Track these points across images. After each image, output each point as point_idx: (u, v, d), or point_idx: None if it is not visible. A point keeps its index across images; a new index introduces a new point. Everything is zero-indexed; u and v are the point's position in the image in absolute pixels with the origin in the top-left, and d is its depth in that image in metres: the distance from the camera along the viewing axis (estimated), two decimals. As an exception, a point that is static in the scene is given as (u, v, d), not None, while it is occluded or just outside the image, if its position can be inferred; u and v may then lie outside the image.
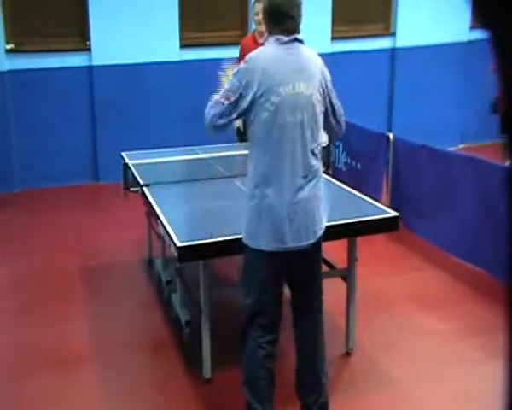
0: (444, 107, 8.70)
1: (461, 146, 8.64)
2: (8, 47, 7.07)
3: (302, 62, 2.86)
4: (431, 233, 5.32)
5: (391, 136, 5.82)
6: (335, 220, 3.63)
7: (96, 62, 7.28)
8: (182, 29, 7.54)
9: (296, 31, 2.89)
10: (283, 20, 2.85)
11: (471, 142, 8.60)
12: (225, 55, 7.43)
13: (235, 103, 2.81)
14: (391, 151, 5.77)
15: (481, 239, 4.63)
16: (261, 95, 2.77)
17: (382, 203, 4.36)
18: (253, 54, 2.88)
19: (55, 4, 7.24)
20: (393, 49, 8.50)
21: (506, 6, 0.63)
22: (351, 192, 4.16)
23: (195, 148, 5.36)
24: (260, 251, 2.86)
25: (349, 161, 6.46)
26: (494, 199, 4.41)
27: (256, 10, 5.90)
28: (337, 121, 3.16)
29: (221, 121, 2.88)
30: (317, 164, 2.93)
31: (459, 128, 8.81)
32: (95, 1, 7.15)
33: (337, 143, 6.56)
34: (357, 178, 6.03)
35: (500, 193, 4.04)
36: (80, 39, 7.34)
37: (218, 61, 7.62)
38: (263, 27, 5.86)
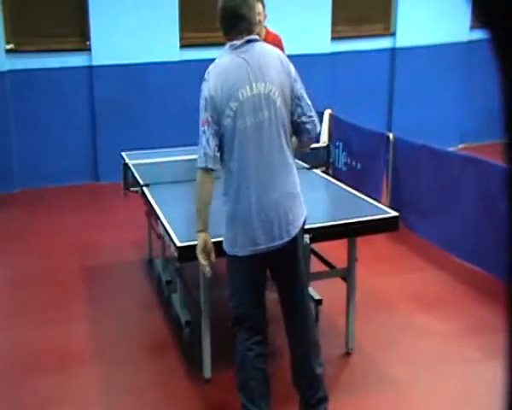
0: (444, 107, 8.69)
1: (461, 146, 8.64)
2: (8, 47, 7.07)
3: (257, 62, 2.85)
4: (431, 233, 5.32)
5: (391, 136, 5.81)
6: (335, 220, 3.63)
7: (95, 62, 7.28)
8: (182, 29, 7.54)
9: (250, 31, 2.89)
10: (237, 22, 2.85)
11: (471, 142, 8.60)
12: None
13: (210, 122, 2.86)
14: (391, 151, 5.77)
15: (481, 239, 4.63)
16: (222, 103, 2.81)
17: (382, 203, 4.36)
18: (210, 67, 2.91)
19: (55, 4, 7.24)
20: (393, 49, 8.50)
21: (506, 6, 0.62)
22: (351, 192, 4.15)
23: (195, 148, 5.34)
24: (236, 256, 2.90)
25: (349, 161, 6.46)
26: (494, 199, 4.41)
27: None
28: (307, 117, 2.98)
29: (210, 152, 2.90)
30: (288, 159, 2.90)
31: (459, 128, 8.81)
32: (95, 1, 7.15)
33: (337, 143, 6.56)
34: (357, 178, 6.03)
35: (500, 193, 4.04)
36: (80, 39, 7.34)
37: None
38: (260, 28, 5.89)
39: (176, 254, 3.27)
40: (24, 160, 7.22)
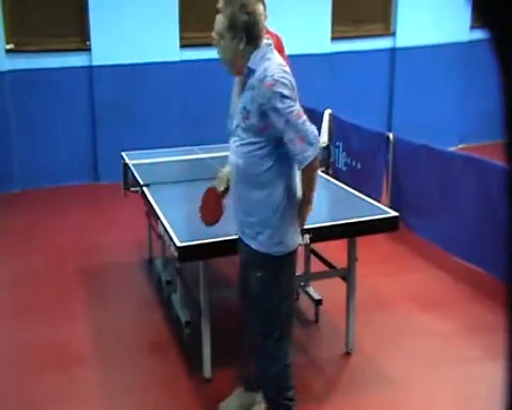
0: (444, 107, 8.69)
1: (461, 146, 8.64)
2: (8, 47, 7.07)
3: None
4: (431, 233, 5.32)
5: (391, 136, 5.81)
6: (335, 220, 3.63)
7: (96, 62, 7.28)
8: (182, 29, 7.54)
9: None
10: (263, 30, 2.81)
11: (471, 142, 8.60)
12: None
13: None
14: (391, 151, 5.77)
15: (481, 239, 4.63)
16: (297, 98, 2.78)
17: (382, 203, 4.36)
18: (273, 69, 2.71)
19: (54, 4, 7.24)
20: (393, 49, 8.50)
21: (506, 6, 0.63)
22: (351, 192, 4.15)
23: (195, 148, 5.35)
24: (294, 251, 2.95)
25: (349, 161, 6.46)
26: (494, 199, 4.41)
27: None
28: None
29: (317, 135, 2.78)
30: None
31: (459, 128, 8.81)
32: (95, 1, 7.15)
33: (337, 143, 6.56)
34: (357, 178, 6.03)
35: (500, 193, 4.04)
36: (80, 39, 7.34)
37: (218, 61, 7.59)
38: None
39: (176, 254, 3.27)
40: (24, 160, 7.22)
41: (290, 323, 3.11)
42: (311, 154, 2.68)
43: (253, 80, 2.73)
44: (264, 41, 2.79)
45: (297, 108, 2.68)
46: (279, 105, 2.64)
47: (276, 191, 2.79)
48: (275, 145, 2.74)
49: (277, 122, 2.66)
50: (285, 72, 2.72)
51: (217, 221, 3.13)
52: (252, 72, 2.75)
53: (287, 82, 2.68)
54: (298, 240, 2.93)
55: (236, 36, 2.73)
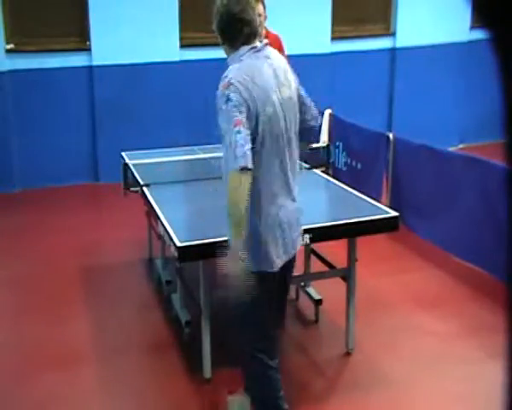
0: (444, 107, 8.69)
1: (461, 146, 8.64)
2: (8, 47, 7.07)
3: (279, 66, 2.75)
4: (431, 233, 5.32)
5: (391, 136, 5.81)
6: (335, 220, 3.63)
7: (96, 62, 7.28)
8: (182, 29, 7.54)
9: (256, 35, 2.73)
10: (243, 28, 2.66)
11: (471, 142, 8.60)
12: (225, 55, 7.44)
13: (247, 124, 2.56)
14: (391, 151, 5.77)
15: (481, 239, 4.63)
16: (256, 108, 2.59)
17: (382, 203, 4.36)
18: (231, 71, 2.63)
19: (55, 4, 7.24)
20: (393, 49, 8.50)
21: (506, 6, 0.63)
22: (351, 192, 4.15)
23: (195, 148, 5.35)
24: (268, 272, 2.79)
25: (349, 161, 6.46)
26: (494, 199, 4.41)
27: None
28: (311, 115, 2.98)
29: (248, 152, 2.52)
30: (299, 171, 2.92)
31: (459, 128, 8.81)
32: (95, 1, 7.15)
33: (337, 143, 6.56)
34: (357, 178, 6.03)
35: (500, 193, 4.04)
36: (80, 39, 7.34)
37: (218, 61, 7.60)
38: (261, 29, 5.89)
39: (176, 254, 3.26)
40: (24, 160, 7.22)
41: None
42: (231, 165, 2.53)
43: None
44: (257, 44, 2.71)
45: (239, 117, 2.53)
46: (223, 107, 2.57)
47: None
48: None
49: (221, 123, 2.61)
50: (245, 79, 2.58)
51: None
52: None
53: (241, 89, 2.56)
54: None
55: (218, 37, 2.76)
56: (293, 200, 2.80)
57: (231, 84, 2.58)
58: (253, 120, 2.60)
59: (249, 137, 2.55)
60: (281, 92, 2.70)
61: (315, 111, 3.00)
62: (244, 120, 2.55)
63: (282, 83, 2.72)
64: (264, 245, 2.71)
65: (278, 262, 2.76)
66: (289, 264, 2.92)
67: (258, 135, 2.62)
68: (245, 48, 2.69)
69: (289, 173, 2.77)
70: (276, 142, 2.69)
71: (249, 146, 2.53)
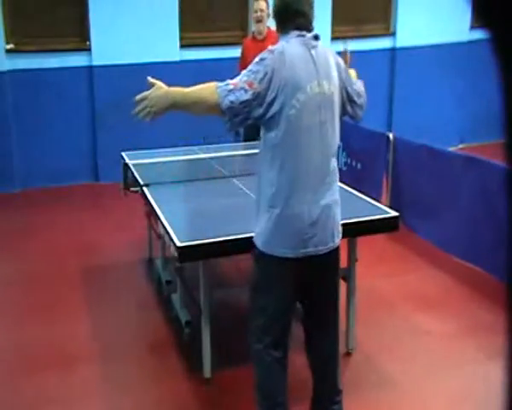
0: (444, 107, 8.70)
1: (461, 146, 8.64)
2: (8, 47, 7.07)
3: (324, 59, 2.77)
4: (431, 233, 5.32)
5: (391, 136, 5.82)
6: (335, 220, 3.62)
7: (96, 62, 7.28)
8: (182, 29, 7.54)
9: (310, 28, 2.85)
10: (296, 18, 2.81)
11: (471, 142, 8.60)
12: (225, 55, 7.44)
13: (259, 94, 2.60)
14: (391, 151, 5.77)
15: (481, 239, 4.63)
16: (287, 90, 2.61)
17: (382, 203, 4.36)
18: (278, 46, 2.71)
19: (55, 4, 7.24)
20: (393, 49, 8.50)
21: (506, 6, 0.62)
22: (351, 192, 4.15)
23: (195, 148, 5.36)
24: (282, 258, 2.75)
25: (349, 161, 6.46)
26: (494, 199, 4.41)
27: (255, 8, 5.88)
28: (356, 105, 2.98)
29: (237, 119, 2.64)
30: (336, 167, 2.84)
31: (459, 128, 8.81)
32: (95, 1, 7.15)
33: (337, 143, 6.56)
34: (357, 178, 6.03)
35: (500, 193, 4.04)
36: (80, 39, 7.34)
37: (218, 61, 7.61)
38: (262, 25, 5.88)
39: (176, 254, 3.26)
40: (24, 160, 7.22)
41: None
42: (220, 94, 2.63)
43: None
44: (296, 32, 2.79)
45: (255, 84, 2.61)
46: (256, 61, 2.70)
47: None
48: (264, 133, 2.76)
49: (244, 71, 2.72)
50: (283, 55, 2.67)
51: None
52: None
53: (277, 60, 2.65)
54: None
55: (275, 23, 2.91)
56: (323, 196, 2.74)
57: (273, 52, 2.68)
58: (271, 96, 2.61)
59: (246, 109, 2.62)
60: (319, 85, 2.69)
61: (359, 112, 3.01)
62: (258, 90, 2.61)
63: (323, 77, 2.71)
64: (280, 232, 2.71)
65: (289, 253, 2.73)
66: (318, 264, 2.80)
67: (282, 119, 2.63)
68: (294, 33, 2.78)
69: (320, 169, 2.73)
70: (308, 133, 2.67)
71: (241, 107, 2.61)
